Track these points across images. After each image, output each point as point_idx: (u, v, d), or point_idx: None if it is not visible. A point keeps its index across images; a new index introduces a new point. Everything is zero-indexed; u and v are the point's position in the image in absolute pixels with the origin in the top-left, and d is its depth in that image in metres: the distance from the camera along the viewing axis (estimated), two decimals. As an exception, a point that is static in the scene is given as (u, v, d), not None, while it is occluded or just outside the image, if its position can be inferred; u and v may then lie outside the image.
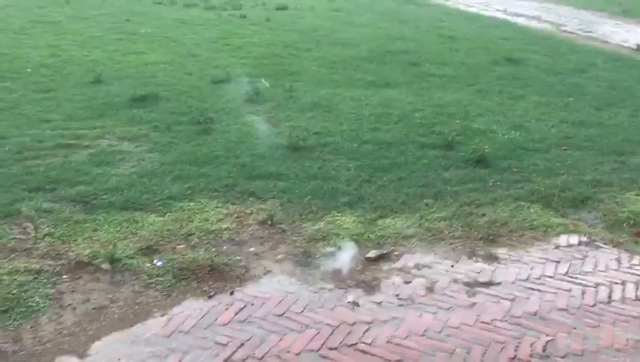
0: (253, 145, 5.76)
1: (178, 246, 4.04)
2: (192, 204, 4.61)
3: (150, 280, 3.66)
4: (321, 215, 4.53)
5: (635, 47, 11.23)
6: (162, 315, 3.36)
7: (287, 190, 4.89)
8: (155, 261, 3.85)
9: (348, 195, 4.85)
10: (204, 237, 4.15)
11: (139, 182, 4.88)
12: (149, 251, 3.96)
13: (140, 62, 8.74)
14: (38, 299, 3.42)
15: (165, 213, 4.45)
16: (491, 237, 4.32)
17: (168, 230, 4.22)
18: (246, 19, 12.73)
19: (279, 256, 3.99)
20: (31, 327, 3.21)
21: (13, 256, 3.83)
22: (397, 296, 3.61)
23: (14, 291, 3.46)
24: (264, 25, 12.16)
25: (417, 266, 3.94)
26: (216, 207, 4.59)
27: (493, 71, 9.17)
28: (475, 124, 6.65)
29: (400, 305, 3.53)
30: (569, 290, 3.71)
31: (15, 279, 3.56)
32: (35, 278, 3.60)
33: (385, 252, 4.08)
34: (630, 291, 3.73)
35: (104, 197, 4.62)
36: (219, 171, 5.16)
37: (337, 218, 4.50)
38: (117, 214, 4.40)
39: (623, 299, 3.64)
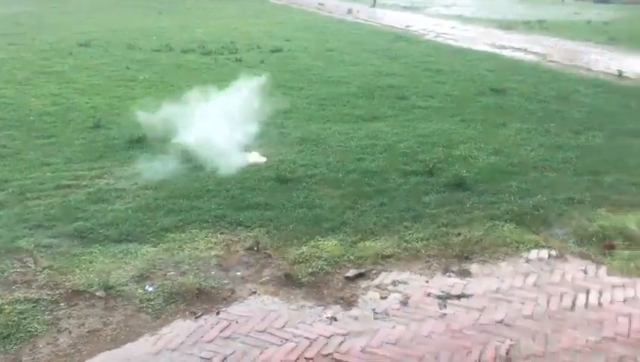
0: (243, 178, 6.05)
1: (168, 273, 4.30)
2: (183, 234, 4.88)
3: (141, 305, 3.91)
4: (304, 240, 4.79)
5: (617, 73, 11.59)
6: (152, 335, 3.60)
7: (274, 218, 5.16)
8: (147, 287, 4.11)
9: (331, 221, 5.11)
10: (193, 264, 4.41)
11: (133, 217, 5.17)
12: (141, 278, 4.22)
13: (138, 106, 9.13)
14: (36, 325, 3.67)
15: (157, 244, 4.72)
16: (465, 255, 4.56)
17: (160, 259, 4.48)
18: (241, 62, 13.18)
19: (264, 279, 4.24)
20: (30, 350, 3.46)
21: (14, 287, 4.09)
22: (373, 310, 3.85)
23: (14, 318, 3.71)
24: (259, 67, 12.57)
25: (394, 283, 4.18)
26: (206, 236, 4.86)
27: (478, 101, 9.51)
28: (457, 151, 6.94)
29: (375, 319, 3.76)
30: (535, 299, 3.94)
31: (15, 308, 3.82)
32: (34, 306, 3.85)
33: (363, 271, 4.32)
34: (593, 298, 3.95)
35: (100, 231, 4.90)
36: (209, 204, 5.44)
37: (320, 242, 4.75)
38: (112, 246, 4.67)
39: (586, 305, 3.86)
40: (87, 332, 3.63)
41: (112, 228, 4.94)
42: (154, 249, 4.65)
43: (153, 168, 6.18)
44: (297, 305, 3.91)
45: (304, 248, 4.65)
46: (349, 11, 24.38)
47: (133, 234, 4.86)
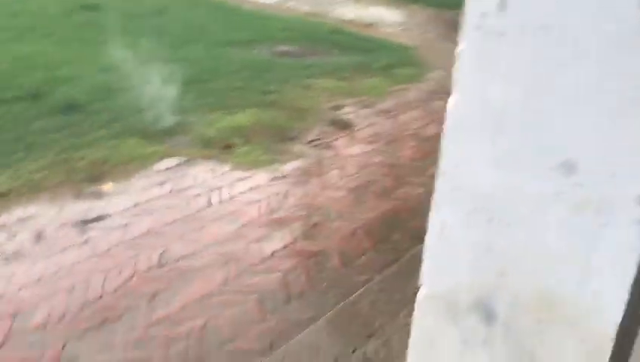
0: None
1: None
2: None
3: None
4: None
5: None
6: None
7: None
8: None
9: None
10: None
11: None
12: None
13: None
14: None
15: None
16: (95, 177, 4.31)
17: None
18: None
19: None
20: None
21: None
22: (1, 254, 3.35)
23: None
24: None
25: (20, 220, 3.69)
26: None
27: (71, 19, 8.84)
28: (61, 73, 6.36)
29: (6, 263, 3.28)
30: (175, 206, 4.01)
31: None
32: None
33: (-22, 215, 3.70)
34: (225, 193, 4.23)
35: None
36: None
37: None
38: None
39: (221, 201, 4.11)
40: None
41: None
42: None
43: None
44: None
45: None
46: None
47: None
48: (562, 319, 1.17)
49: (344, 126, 5.65)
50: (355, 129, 5.60)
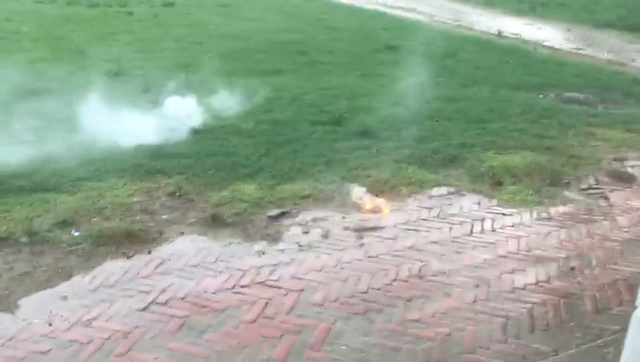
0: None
1: (93, 219, 4.34)
2: (100, 183, 4.90)
3: (70, 248, 3.96)
4: (224, 185, 4.98)
5: (497, 32, 12.52)
6: (86, 275, 3.69)
7: (192, 166, 5.29)
8: (73, 232, 4.14)
9: (248, 167, 5.32)
10: (116, 210, 4.48)
11: (45, 167, 5.09)
12: (64, 225, 4.24)
13: (27, 59, 8.69)
14: (-39, 272, 3.62)
15: (76, 193, 4.72)
16: (377, 193, 4.97)
17: (81, 206, 4.50)
18: (133, 15, 12.79)
19: (190, 220, 4.41)
20: (-41, 296, 3.44)
21: None
22: (297, 243, 4.15)
23: None
24: (153, 21, 12.31)
25: (314, 220, 4.50)
26: (125, 184, 4.91)
27: (375, 57, 9.98)
28: (360, 103, 7.34)
29: (300, 251, 4.07)
30: (440, 228, 4.42)
31: None
32: (-45, 255, 3.79)
33: (285, 210, 4.60)
34: (487, 225, 4.50)
35: (12, 181, 4.80)
36: (123, 154, 5.46)
37: (240, 186, 4.96)
38: (27, 196, 4.61)
39: (482, 231, 4.40)
40: (18, 275, 3.65)
41: (23, 179, 4.86)
42: (72, 197, 4.65)
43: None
44: (226, 242, 4.14)
45: (225, 192, 4.84)
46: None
47: (47, 184, 4.82)
48: None
49: (624, 178, 5.43)
50: (637, 183, 5.35)
